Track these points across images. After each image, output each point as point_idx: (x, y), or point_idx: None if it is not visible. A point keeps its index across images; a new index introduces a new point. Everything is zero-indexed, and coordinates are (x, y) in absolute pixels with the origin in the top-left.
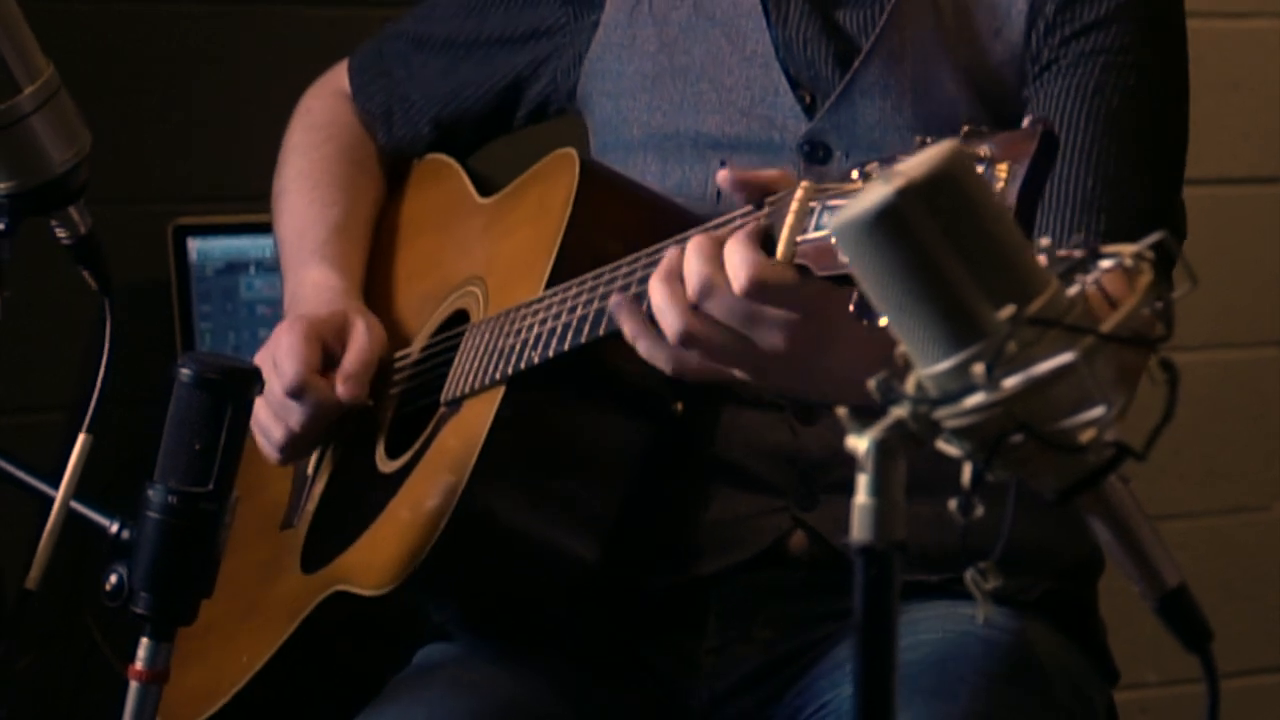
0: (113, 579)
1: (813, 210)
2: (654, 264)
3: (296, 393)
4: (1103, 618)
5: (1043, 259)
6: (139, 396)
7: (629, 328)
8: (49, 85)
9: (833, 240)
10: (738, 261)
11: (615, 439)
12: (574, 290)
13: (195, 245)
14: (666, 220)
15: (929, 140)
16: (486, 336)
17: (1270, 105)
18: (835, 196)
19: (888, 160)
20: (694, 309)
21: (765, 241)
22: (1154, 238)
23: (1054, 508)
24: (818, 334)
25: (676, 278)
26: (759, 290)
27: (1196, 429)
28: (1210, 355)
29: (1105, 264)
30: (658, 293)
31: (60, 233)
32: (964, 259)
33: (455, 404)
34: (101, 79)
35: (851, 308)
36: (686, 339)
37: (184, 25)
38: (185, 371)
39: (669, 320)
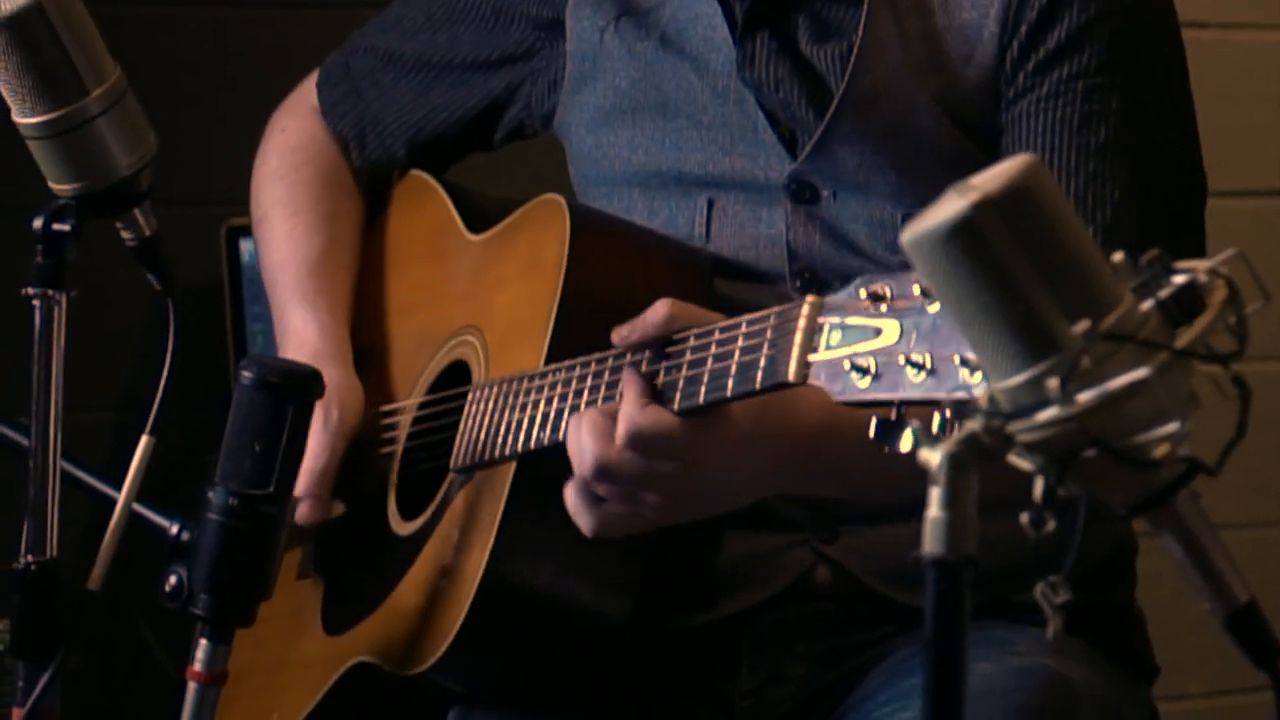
0: (172, 580)
1: (822, 327)
2: (658, 358)
3: None
4: (1140, 609)
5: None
6: (192, 397)
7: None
8: (116, 88)
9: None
10: (619, 418)
11: None
12: (578, 371)
13: (248, 246)
14: (661, 264)
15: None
16: (491, 405)
17: None
18: (850, 314)
19: (881, 284)
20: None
21: (654, 395)
22: (1229, 253)
23: (1122, 522)
24: (706, 470)
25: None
26: (636, 442)
27: (1243, 442)
28: (1257, 367)
29: (1178, 279)
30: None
31: (125, 234)
32: (1039, 273)
33: (466, 472)
34: (156, 80)
35: (871, 433)
36: (588, 511)
37: (240, 28)
38: (247, 374)
39: (570, 504)
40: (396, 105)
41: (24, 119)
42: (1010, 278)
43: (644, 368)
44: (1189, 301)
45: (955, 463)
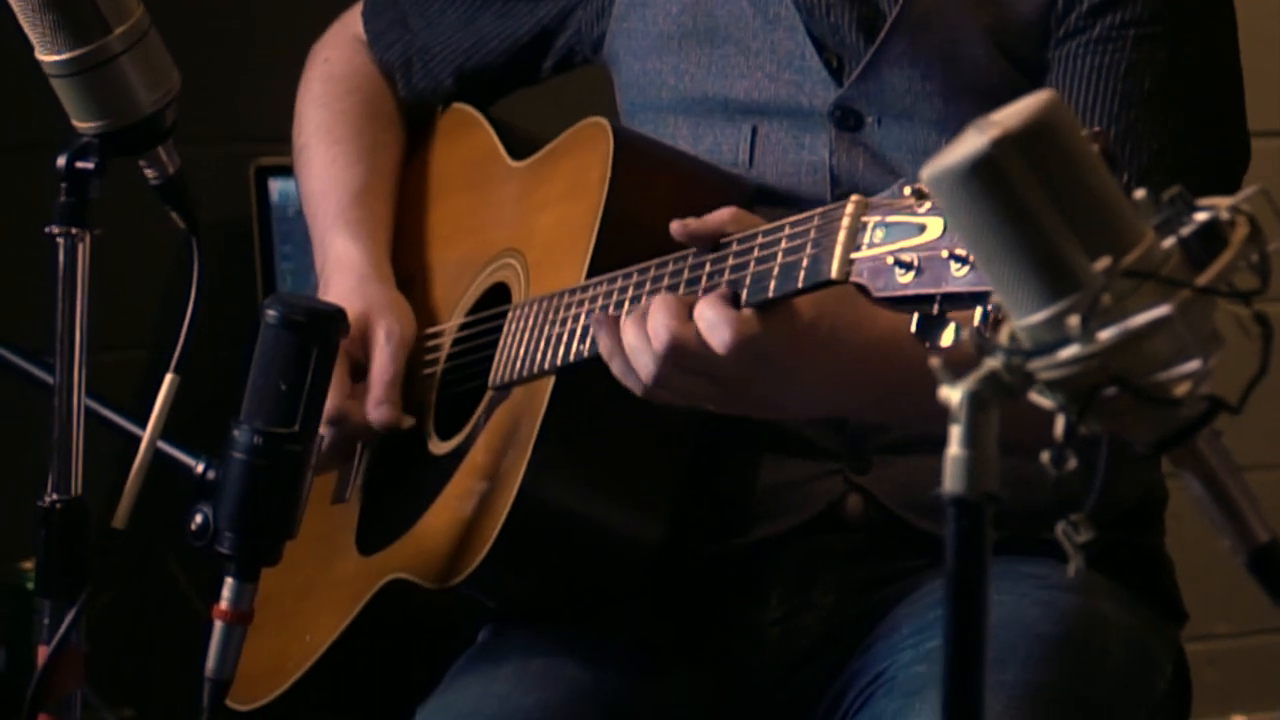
0: (198, 519)
1: (865, 226)
2: (700, 264)
3: (333, 421)
4: (1169, 555)
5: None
6: (221, 336)
7: (604, 347)
8: (139, 26)
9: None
10: (713, 320)
11: (667, 417)
12: (619, 283)
13: (277, 186)
14: (704, 188)
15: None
16: (531, 322)
17: None
18: (892, 212)
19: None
20: (664, 358)
21: (732, 302)
22: (1251, 190)
23: (1143, 460)
24: (785, 371)
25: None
26: (739, 348)
27: (1265, 382)
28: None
29: (1200, 216)
30: (631, 333)
31: (149, 173)
32: (1059, 210)
33: (504, 389)
34: (184, 18)
35: (913, 328)
36: (658, 381)
37: None
38: (271, 313)
39: (643, 363)
40: (444, 34)
41: (46, 57)
42: (1031, 214)
43: (686, 274)
44: (1211, 239)
45: (976, 400)
